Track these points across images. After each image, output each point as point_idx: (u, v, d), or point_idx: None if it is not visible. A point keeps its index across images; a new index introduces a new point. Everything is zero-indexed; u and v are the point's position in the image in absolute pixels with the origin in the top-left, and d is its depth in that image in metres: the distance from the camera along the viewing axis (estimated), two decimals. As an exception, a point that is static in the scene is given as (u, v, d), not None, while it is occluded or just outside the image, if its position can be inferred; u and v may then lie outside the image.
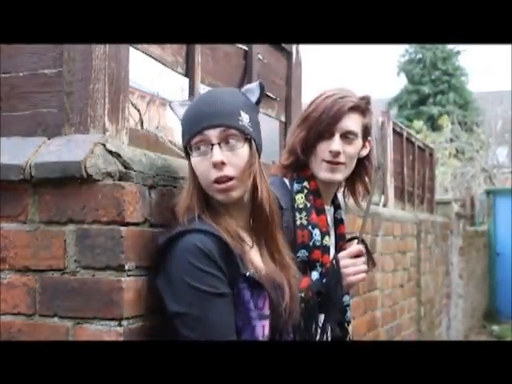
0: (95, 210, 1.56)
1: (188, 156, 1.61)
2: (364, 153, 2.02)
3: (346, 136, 1.94)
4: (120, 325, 1.52)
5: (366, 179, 2.07)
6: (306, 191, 1.97)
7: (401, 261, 5.11)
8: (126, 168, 1.57)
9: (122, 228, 1.54)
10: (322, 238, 1.94)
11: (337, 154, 1.93)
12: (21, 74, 1.75)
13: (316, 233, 1.92)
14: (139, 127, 2.52)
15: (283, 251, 1.69)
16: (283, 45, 3.04)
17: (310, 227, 1.91)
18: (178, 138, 2.28)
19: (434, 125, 16.84)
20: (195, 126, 1.58)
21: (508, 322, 10.12)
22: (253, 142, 1.60)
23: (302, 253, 1.89)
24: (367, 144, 2.03)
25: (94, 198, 1.56)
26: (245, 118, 1.59)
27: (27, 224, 1.62)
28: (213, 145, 1.55)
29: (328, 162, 1.94)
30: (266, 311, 1.55)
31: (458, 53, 21.16)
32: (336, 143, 1.93)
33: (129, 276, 1.54)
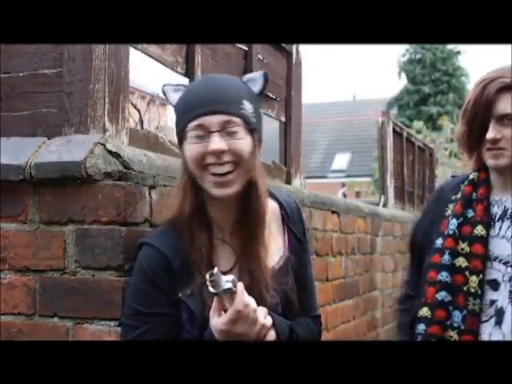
0: (95, 210, 1.56)
1: (181, 144, 1.50)
2: None
3: (502, 119, 1.84)
4: (120, 325, 1.52)
5: None
6: (470, 183, 1.96)
7: (401, 261, 5.11)
8: (125, 168, 1.57)
9: (122, 228, 1.54)
10: (460, 225, 1.89)
11: (494, 141, 1.85)
12: (21, 74, 1.75)
13: (453, 222, 1.90)
14: (139, 127, 2.52)
15: (264, 261, 1.53)
16: (283, 45, 3.04)
17: (450, 217, 1.91)
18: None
19: (434, 125, 16.85)
20: (193, 111, 1.46)
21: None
22: (255, 134, 1.50)
23: (439, 240, 1.90)
24: None
25: (94, 198, 1.56)
26: (248, 108, 1.48)
27: (27, 224, 1.62)
28: (211, 132, 1.44)
29: (489, 149, 1.88)
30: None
31: (458, 53, 21.17)
32: (491, 131, 1.85)
33: (129, 276, 1.54)
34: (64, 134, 1.68)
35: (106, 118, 1.68)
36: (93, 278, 1.55)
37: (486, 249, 1.88)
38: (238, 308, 1.35)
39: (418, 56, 21.24)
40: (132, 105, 2.46)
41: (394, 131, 6.04)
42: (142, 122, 2.64)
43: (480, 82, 1.88)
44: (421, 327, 1.90)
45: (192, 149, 1.46)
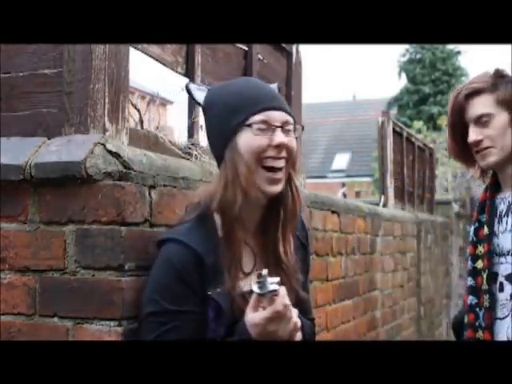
0: (95, 210, 1.56)
1: (229, 138, 1.51)
2: None
3: (480, 121, 1.91)
4: (120, 325, 1.52)
5: None
6: (485, 190, 2.03)
7: (401, 261, 5.11)
8: (125, 168, 1.57)
9: (122, 228, 1.54)
10: (476, 230, 2.00)
11: (476, 143, 1.92)
12: (21, 74, 1.75)
13: (472, 229, 2.01)
14: (139, 127, 2.52)
15: (290, 257, 1.59)
16: (283, 45, 3.04)
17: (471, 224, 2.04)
18: (177, 137, 2.28)
19: (434, 125, 16.84)
20: (257, 105, 1.51)
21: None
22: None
23: (467, 249, 2.03)
24: None
25: (94, 198, 1.56)
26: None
27: (27, 224, 1.62)
28: (276, 126, 1.50)
29: (476, 151, 1.94)
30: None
31: (458, 53, 21.17)
32: (471, 134, 1.92)
33: (129, 276, 1.54)
34: (64, 134, 1.68)
35: (106, 118, 1.68)
36: (93, 277, 1.55)
37: (490, 246, 1.94)
38: (277, 309, 1.41)
39: (418, 56, 21.24)
40: (132, 105, 2.46)
41: (394, 131, 6.03)
42: (142, 121, 2.63)
43: (454, 92, 1.97)
44: (464, 333, 2.00)
45: (255, 140, 1.49)
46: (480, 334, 1.93)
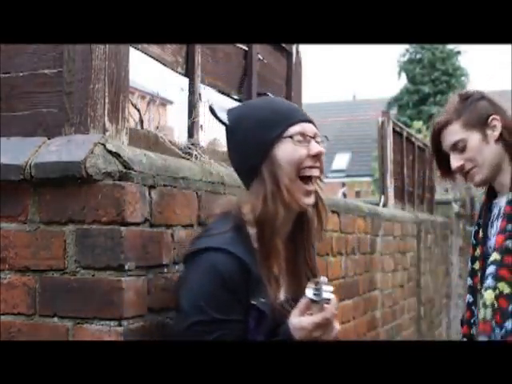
0: (95, 210, 1.56)
1: (266, 152, 1.56)
2: (496, 133, 2.00)
3: (456, 148, 2.02)
4: (120, 325, 1.52)
5: None
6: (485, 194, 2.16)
7: (401, 261, 5.11)
8: (126, 168, 1.57)
9: (122, 228, 1.54)
10: (475, 233, 2.13)
11: (459, 169, 2.03)
12: (21, 74, 1.75)
13: (472, 231, 2.15)
14: (139, 127, 2.52)
15: (315, 264, 1.68)
16: (283, 45, 3.04)
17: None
18: (177, 137, 2.28)
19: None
20: (293, 118, 1.59)
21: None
22: None
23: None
24: (492, 123, 2.00)
25: (94, 197, 1.56)
26: None
27: (27, 224, 1.62)
28: (311, 137, 1.58)
29: (463, 175, 2.06)
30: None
31: (458, 53, 21.16)
32: (452, 163, 2.03)
33: (129, 276, 1.54)
34: (64, 134, 1.68)
35: (106, 118, 1.68)
36: (93, 277, 1.55)
37: (483, 248, 2.05)
38: (327, 316, 1.46)
39: (417, 56, 21.23)
40: (132, 105, 2.46)
41: (394, 131, 6.03)
42: (142, 121, 2.63)
43: (430, 127, 2.13)
44: (461, 329, 2.17)
45: (296, 150, 1.56)
46: (473, 331, 2.06)
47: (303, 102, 3.34)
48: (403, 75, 21.41)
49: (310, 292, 1.45)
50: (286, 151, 1.55)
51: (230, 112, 1.65)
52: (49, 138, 1.68)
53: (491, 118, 1.99)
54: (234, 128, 1.62)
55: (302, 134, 1.57)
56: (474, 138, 1.99)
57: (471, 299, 2.10)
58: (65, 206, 1.58)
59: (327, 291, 1.45)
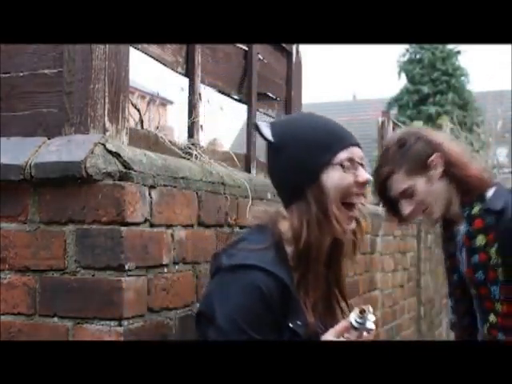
0: (95, 210, 1.56)
1: (316, 177, 1.53)
2: (438, 171, 2.01)
3: (405, 195, 2.02)
4: (120, 325, 1.52)
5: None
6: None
7: (401, 261, 5.11)
8: (126, 168, 1.57)
9: (122, 228, 1.54)
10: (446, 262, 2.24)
11: (412, 214, 2.04)
12: (21, 74, 1.75)
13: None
14: (139, 127, 2.52)
15: (345, 283, 1.71)
16: (283, 45, 3.04)
17: None
18: (177, 137, 2.28)
19: (433, 125, 16.84)
20: (342, 142, 1.55)
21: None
22: None
23: None
24: (433, 164, 2.01)
25: (94, 197, 1.56)
26: None
27: (27, 224, 1.62)
28: (358, 163, 1.55)
29: (419, 216, 2.08)
30: None
31: (458, 53, 21.15)
32: (403, 210, 2.04)
33: (129, 276, 1.54)
34: (64, 134, 1.68)
35: (106, 118, 1.68)
36: (93, 277, 1.55)
37: (456, 276, 2.13)
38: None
39: (417, 56, 21.22)
40: (132, 105, 2.46)
41: (394, 131, 6.03)
42: (142, 121, 2.63)
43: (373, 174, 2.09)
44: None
45: (344, 178, 1.52)
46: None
47: (303, 102, 3.34)
48: (403, 75, 21.39)
49: (353, 317, 1.47)
50: (335, 178, 1.52)
51: (274, 127, 1.60)
52: (49, 138, 1.68)
53: (430, 159, 1.99)
54: (281, 146, 1.57)
55: (351, 160, 1.54)
56: (419, 183, 2.00)
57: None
58: (65, 205, 1.58)
59: (371, 321, 1.48)
